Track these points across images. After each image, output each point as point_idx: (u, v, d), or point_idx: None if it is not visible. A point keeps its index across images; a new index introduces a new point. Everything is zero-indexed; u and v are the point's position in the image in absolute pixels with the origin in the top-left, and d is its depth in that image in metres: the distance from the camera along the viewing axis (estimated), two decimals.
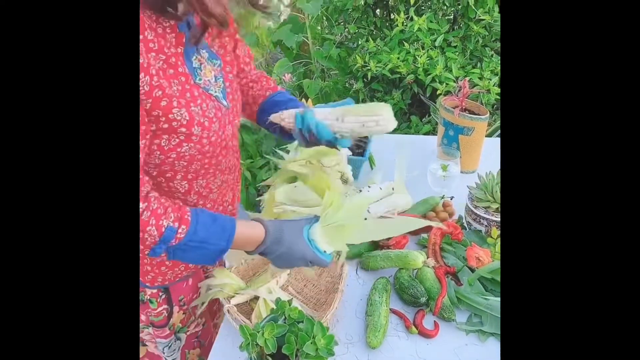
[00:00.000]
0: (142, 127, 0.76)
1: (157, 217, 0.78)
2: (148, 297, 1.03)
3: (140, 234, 0.77)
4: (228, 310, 0.98)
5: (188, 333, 1.12)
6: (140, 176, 0.77)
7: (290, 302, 0.81)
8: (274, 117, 0.96)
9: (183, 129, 0.80)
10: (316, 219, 0.93)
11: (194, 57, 0.84)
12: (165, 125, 0.79)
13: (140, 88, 0.73)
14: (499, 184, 1.19)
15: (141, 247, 0.79)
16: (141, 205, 0.77)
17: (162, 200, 0.81)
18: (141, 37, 0.73)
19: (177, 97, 0.79)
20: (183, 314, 1.08)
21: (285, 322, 0.78)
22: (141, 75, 0.72)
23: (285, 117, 0.94)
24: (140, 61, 0.72)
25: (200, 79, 0.84)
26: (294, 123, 0.92)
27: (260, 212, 1.29)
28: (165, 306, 1.05)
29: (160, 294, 1.03)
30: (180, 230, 0.80)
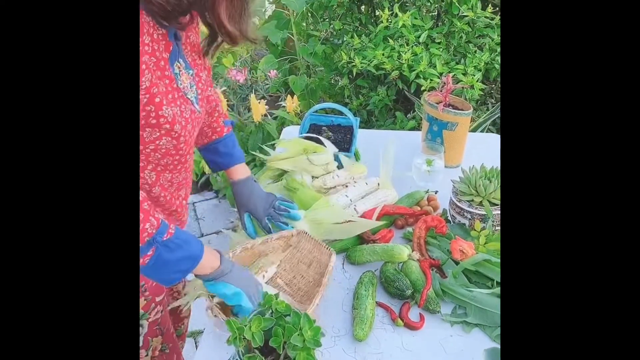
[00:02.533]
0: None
1: (153, 208, 0.85)
2: None
3: (141, 226, 0.82)
4: (211, 309, 0.98)
5: (150, 320, 1.12)
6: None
7: (277, 295, 0.82)
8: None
9: (167, 126, 0.87)
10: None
11: (175, 64, 0.91)
12: (154, 121, 0.86)
13: (141, 83, 0.80)
14: (482, 178, 1.21)
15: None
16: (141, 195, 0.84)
17: (147, 186, 0.90)
18: (141, 39, 0.79)
19: (165, 97, 0.86)
20: (144, 300, 1.08)
21: (272, 316, 0.78)
22: (145, 71, 0.80)
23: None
24: (143, 59, 0.80)
25: (181, 84, 0.92)
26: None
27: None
28: None
29: None
30: (171, 226, 0.86)
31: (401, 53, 2.14)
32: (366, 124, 2.45)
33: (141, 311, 1.09)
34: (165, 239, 0.85)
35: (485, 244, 1.15)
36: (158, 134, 0.88)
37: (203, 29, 0.94)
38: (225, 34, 0.85)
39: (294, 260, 1.15)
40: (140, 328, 1.11)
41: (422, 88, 2.10)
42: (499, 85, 2.31)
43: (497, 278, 1.08)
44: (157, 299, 1.12)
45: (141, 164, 0.93)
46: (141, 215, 0.81)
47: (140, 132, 0.86)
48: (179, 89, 0.91)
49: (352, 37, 2.31)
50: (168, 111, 0.87)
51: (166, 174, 0.98)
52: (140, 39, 0.79)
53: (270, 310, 0.79)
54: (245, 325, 0.75)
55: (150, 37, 0.83)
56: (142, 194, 0.85)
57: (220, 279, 0.94)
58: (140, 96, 0.81)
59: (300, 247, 1.16)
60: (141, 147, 0.89)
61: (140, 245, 0.83)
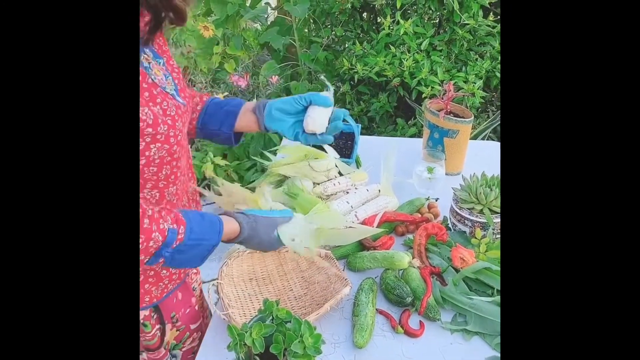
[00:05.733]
0: None
1: (157, 221, 0.78)
2: (142, 321, 0.99)
3: (140, 243, 0.76)
4: (217, 287, 1.00)
5: (184, 349, 1.09)
6: None
7: (277, 302, 0.82)
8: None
9: (149, 130, 0.77)
10: (288, 218, 0.99)
11: (142, 57, 0.81)
12: None
13: None
14: (483, 186, 1.21)
15: (141, 257, 0.79)
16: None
17: (152, 206, 0.81)
18: None
19: (141, 96, 0.76)
20: (177, 330, 1.05)
21: (272, 322, 0.78)
22: None
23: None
24: None
25: (155, 77, 0.82)
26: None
27: None
28: (159, 326, 1.02)
29: (152, 314, 1.00)
30: (180, 231, 0.81)
31: (402, 60, 2.15)
32: (367, 130, 2.45)
33: (173, 342, 1.07)
34: (174, 247, 0.80)
35: (485, 252, 1.15)
36: (144, 143, 0.78)
37: None
38: (173, 11, 0.75)
39: (313, 280, 1.14)
40: (174, 358, 1.09)
41: (423, 95, 2.10)
42: (500, 93, 2.32)
43: (498, 286, 1.08)
44: (192, 327, 1.09)
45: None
46: (142, 237, 0.76)
47: None
48: (155, 84, 0.80)
49: (353, 43, 2.32)
50: (146, 112, 0.76)
51: (170, 188, 0.89)
52: None
53: (271, 317, 0.79)
54: (246, 332, 0.75)
55: None
56: (144, 207, 0.78)
57: (245, 245, 0.94)
58: None
59: (323, 271, 1.14)
60: None
61: (145, 259, 0.80)
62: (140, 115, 0.75)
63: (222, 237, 0.87)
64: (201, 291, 1.16)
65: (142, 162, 0.81)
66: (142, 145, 0.78)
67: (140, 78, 0.78)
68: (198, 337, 1.12)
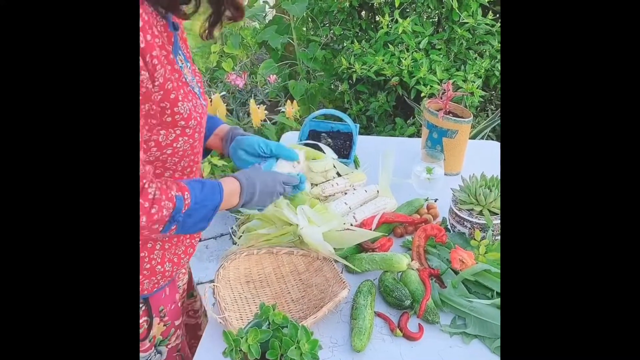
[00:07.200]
0: (140, 122, 0.78)
1: (165, 191, 0.84)
2: None
3: (154, 213, 0.81)
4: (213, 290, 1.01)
5: (169, 346, 1.09)
6: (141, 167, 0.80)
7: (274, 307, 0.81)
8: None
9: (182, 123, 0.84)
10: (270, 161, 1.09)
11: (178, 57, 0.87)
12: (169, 119, 0.82)
13: (155, 80, 0.77)
14: (482, 187, 1.20)
15: (155, 226, 0.83)
16: (150, 186, 0.82)
17: (157, 180, 0.86)
18: (149, 32, 0.76)
19: (178, 92, 0.83)
20: (164, 325, 1.05)
21: (269, 327, 0.77)
22: (157, 66, 0.76)
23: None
24: (154, 54, 0.76)
25: (186, 77, 0.88)
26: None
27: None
28: (146, 318, 1.03)
29: (141, 305, 1.01)
30: (185, 197, 0.86)
31: (401, 59, 2.13)
32: (366, 129, 2.44)
33: (160, 337, 1.06)
34: (184, 211, 0.86)
35: (485, 253, 1.14)
36: (174, 135, 0.85)
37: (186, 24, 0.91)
38: (232, 5, 0.84)
39: (310, 282, 1.13)
40: (159, 355, 1.08)
41: (422, 94, 2.09)
42: (499, 92, 2.30)
43: (497, 288, 1.07)
44: (176, 323, 1.09)
45: (158, 171, 0.89)
46: (155, 207, 0.81)
47: (155, 136, 0.83)
48: (186, 83, 0.87)
49: (352, 42, 2.31)
50: (184, 107, 0.84)
51: (184, 179, 0.94)
52: (149, 32, 0.76)
53: (267, 322, 0.78)
54: (242, 337, 0.74)
55: (157, 30, 0.79)
56: (150, 183, 0.82)
57: (245, 207, 1.00)
58: (154, 94, 0.78)
59: (321, 273, 1.13)
60: (157, 153, 0.85)
61: (160, 227, 0.84)
62: (180, 108, 0.83)
63: (225, 196, 0.94)
64: (184, 290, 1.16)
65: (168, 151, 0.86)
66: (172, 136, 0.85)
67: (178, 76, 0.84)
68: (181, 335, 1.12)
